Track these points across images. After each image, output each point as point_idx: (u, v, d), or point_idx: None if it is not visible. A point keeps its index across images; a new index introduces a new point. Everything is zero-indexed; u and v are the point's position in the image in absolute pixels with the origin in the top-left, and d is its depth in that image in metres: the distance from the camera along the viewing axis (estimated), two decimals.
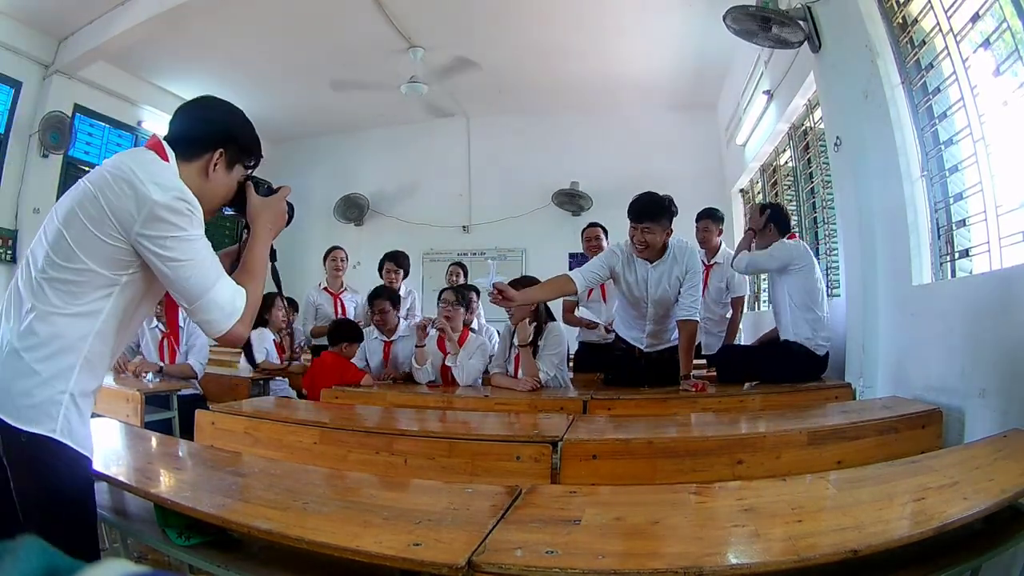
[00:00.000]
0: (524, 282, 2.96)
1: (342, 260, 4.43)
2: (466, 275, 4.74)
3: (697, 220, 3.95)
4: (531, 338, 2.98)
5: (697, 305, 2.81)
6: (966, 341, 2.16)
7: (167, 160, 1.26)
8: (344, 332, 3.58)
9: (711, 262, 3.84)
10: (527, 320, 2.99)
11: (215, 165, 1.32)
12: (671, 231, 2.83)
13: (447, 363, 3.21)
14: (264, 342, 3.85)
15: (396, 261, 4.26)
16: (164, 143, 1.29)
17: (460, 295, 3.32)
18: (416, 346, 3.24)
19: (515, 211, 6.85)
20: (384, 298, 3.55)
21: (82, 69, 5.23)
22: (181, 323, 3.50)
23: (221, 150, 1.32)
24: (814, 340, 2.91)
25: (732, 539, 1.11)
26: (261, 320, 4.01)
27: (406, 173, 7.32)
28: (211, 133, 1.31)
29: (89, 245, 1.17)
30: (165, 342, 3.43)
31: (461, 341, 3.21)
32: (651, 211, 2.75)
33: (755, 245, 3.20)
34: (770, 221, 3.12)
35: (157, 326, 3.45)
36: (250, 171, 1.44)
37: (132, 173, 1.17)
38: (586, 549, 1.04)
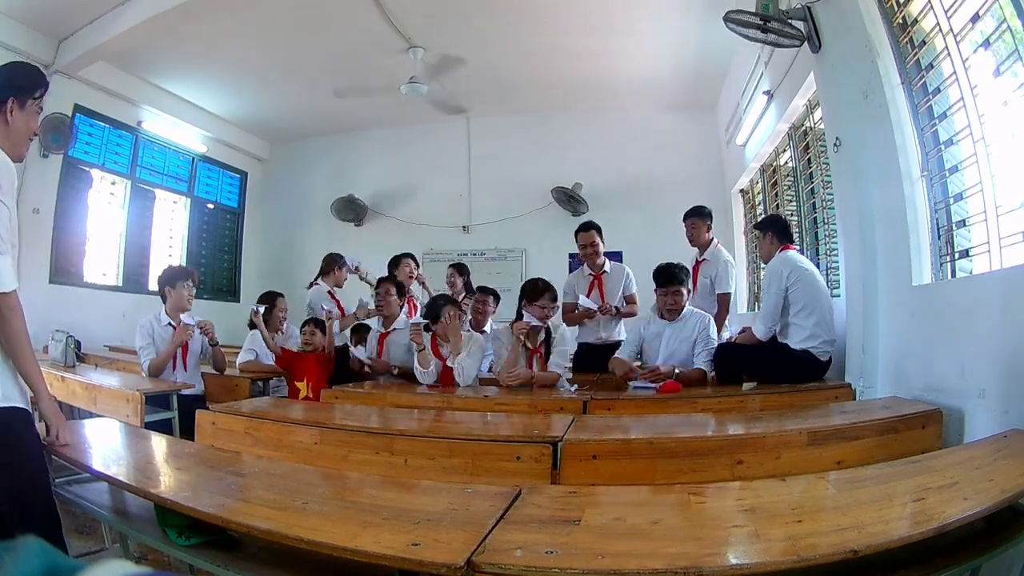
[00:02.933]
0: (540, 287, 3.20)
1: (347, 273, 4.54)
2: (467, 275, 4.69)
3: (685, 219, 3.97)
4: (542, 341, 3.19)
5: (706, 358, 3.11)
6: (966, 341, 2.16)
7: None
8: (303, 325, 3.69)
9: (701, 258, 3.90)
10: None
11: (11, 112, 1.56)
12: (691, 291, 3.27)
13: (448, 364, 3.22)
14: (254, 344, 3.84)
15: (415, 259, 4.42)
16: None
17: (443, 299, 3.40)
18: (417, 350, 3.24)
19: (515, 211, 6.85)
20: (390, 282, 3.70)
21: (82, 69, 5.24)
22: (189, 320, 3.51)
23: (11, 98, 1.56)
24: (818, 348, 2.91)
25: (732, 539, 1.11)
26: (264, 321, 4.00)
27: (406, 173, 7.32)
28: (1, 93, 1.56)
29: None
30: None
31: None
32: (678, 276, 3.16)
33: (761, 256, 3.28)
34: (768, 230, 3.19)
35: (169, 323, 3.44)
36: (40, 98, 1.66)
37: None
38: (586, 549, 1.04)
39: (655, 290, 3.24)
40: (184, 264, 6.55)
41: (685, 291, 3.16)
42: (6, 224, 1.48)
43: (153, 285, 6.38)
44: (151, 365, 3.35)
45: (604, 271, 3.93)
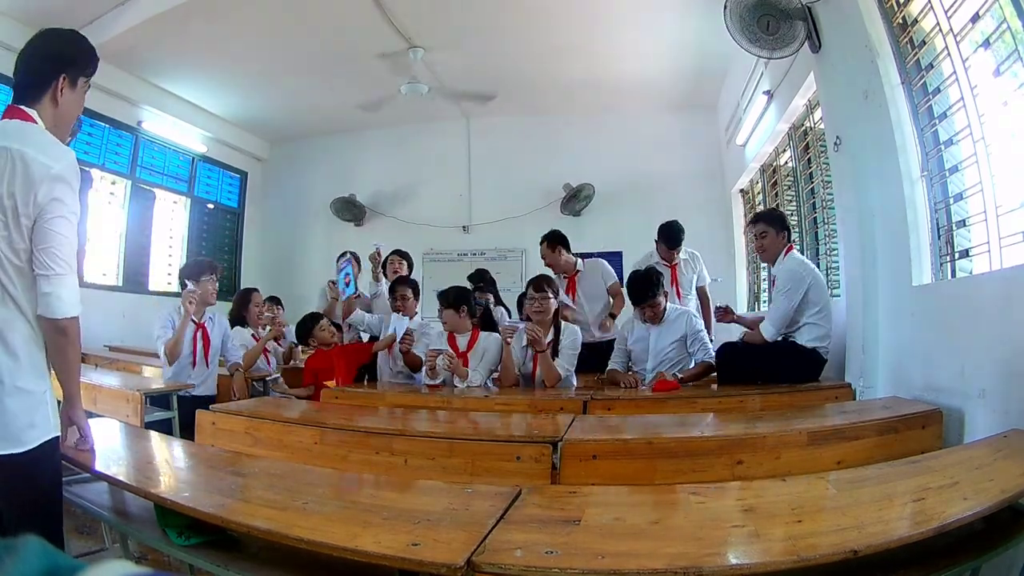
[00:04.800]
0: (551, 279, 3.22)
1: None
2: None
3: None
4: (550, 341, 3.14)
5: (705, 352, 3.15)
6: (966, 341, 2.16)
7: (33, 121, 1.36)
8: (307, 325, 3.68)
9: (675, 262, 4.12)
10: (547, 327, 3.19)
11: (61, 91, 1.40)
12: (667, 292, 3.31)
13: (456, 383, 3.17)
14: (241, 339, 3.82)
15: (399, 253, 4.40)
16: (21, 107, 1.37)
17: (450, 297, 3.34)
18: (427, 368, 3.14)
19: (515, 211, 6.85)
20: (406, 285, 3.66)
21: None
22: (211, 315, 3.45)
23: (63, 75, 1.39)
24: (824, 347, 2.92)
25: (732, 539, 1.11)
26: (239, 318, 3.99)
27: (406, 173, 7.32)
28: (49, 67, 1.39)
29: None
30: (199, 334, 3.35)
31: (472, 342, 3.23)
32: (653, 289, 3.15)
33: (764, 254, 3.22)
34: (779, 227, 3.10)
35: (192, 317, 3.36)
36: (90, 77, 1.46)
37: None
38: (586, 549, 1.04)
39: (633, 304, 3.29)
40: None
41: (662, 298, 3.17)
42: (73, 236, 1.35)
43: (154, 285, 6.40)
44: (166, 347, 3.23)
45: (577, 270, 3.99)
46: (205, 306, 3.39)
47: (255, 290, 4.17)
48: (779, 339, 3.00)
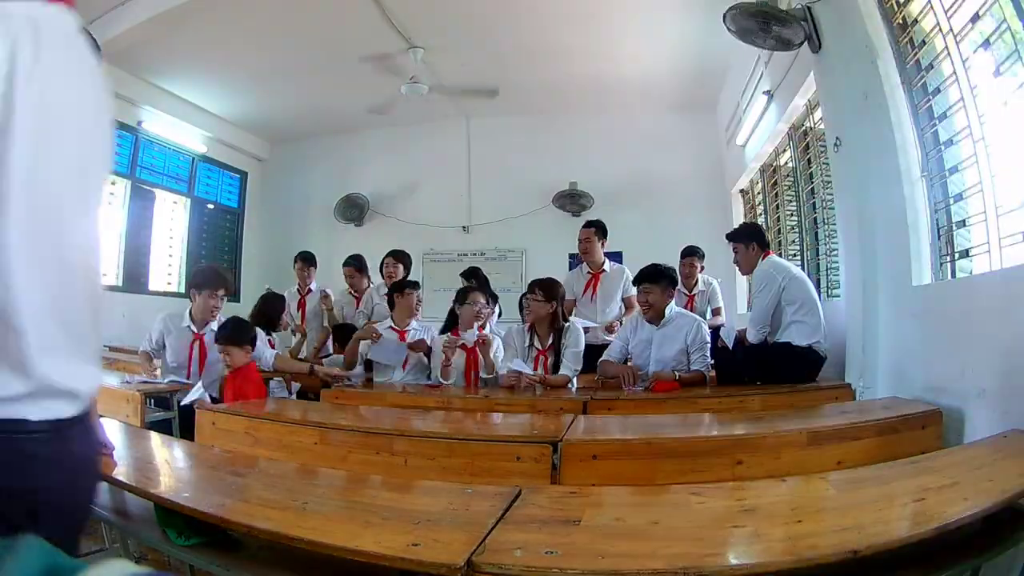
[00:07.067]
0: (548, 284, 3.22)
1: (350, 276, 4.58)
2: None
3: (682, 257, 4.32)
4: (550, 344, 3.17)
5: (704, 361, 3.10)
6: (966, 341, 2.16)
7: None
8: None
9: (693, 292, 4.34)
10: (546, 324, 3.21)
11: None
12: (671, 293, 3.18)
13: (483, 375, 3.20)
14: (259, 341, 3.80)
15: (396, 256, 4.34)
16: None
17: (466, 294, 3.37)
18: (443, 365, 3.16)
19: (515, 211, 6.85)
20: (416, 287, 3.61)
21: None
22: (215, 327, 3.23)
23: None
24: (820, 344, 2.92)
25: (732, 539, 1.11)
26: (269, 321, 3.96)
27: (406, 173, 7.31)
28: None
29: None
30: (196, 345, 3.18)
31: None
32: (650, 274, 3.11)
33: (741, 267, 3.32)
34: (752, 240, 3.19)
35: (188, 326, 3.20)
36: None
37: None
38: (586, 549, 1.04)
39: None
40: (188, 263, 6.55)
41: (659, 289, 3.08)
42: None
43: (154, 285, 6.41)
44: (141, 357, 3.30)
45: (603, 271, 3.98)
46: (205, 322, 3.21)
47: (273, 298, 4.14)
48: (772, 342, 3.01)
